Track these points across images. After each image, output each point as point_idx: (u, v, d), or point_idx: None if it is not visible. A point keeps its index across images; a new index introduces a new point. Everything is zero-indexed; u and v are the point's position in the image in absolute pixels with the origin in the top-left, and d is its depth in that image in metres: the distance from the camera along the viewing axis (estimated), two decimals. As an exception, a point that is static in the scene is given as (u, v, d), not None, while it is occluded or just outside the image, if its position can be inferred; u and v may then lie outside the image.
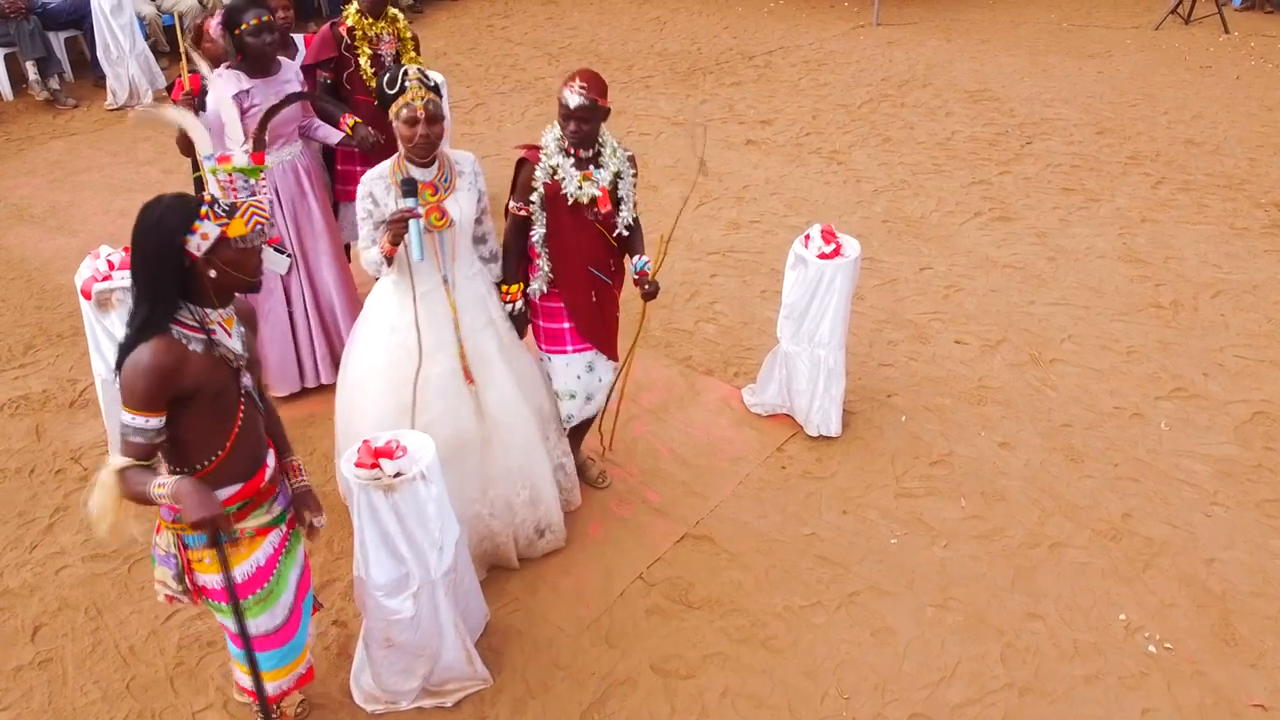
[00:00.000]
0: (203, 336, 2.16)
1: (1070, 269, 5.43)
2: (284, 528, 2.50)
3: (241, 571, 2.39)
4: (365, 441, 2.74)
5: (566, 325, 3.32)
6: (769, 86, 8.05)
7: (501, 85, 8.07)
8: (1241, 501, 3.78)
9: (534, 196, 3.14)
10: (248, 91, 3.64)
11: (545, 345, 3.36)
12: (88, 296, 3.34)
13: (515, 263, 3.27)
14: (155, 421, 2.13)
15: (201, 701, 3.00)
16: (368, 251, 2.97)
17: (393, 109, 2.84)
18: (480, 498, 3.22)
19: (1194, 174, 6.56)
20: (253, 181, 2.16)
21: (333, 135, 4.01)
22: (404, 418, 3.00)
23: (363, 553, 2.71)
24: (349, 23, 4.04)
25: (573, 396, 3.41)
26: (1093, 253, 5.60)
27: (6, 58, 7.52)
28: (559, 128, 3.11)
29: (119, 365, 2.15)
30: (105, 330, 3.41)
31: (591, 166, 3.14)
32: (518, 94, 7.87)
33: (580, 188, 3.11)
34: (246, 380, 2.32)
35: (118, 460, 2.19)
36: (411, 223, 2.83)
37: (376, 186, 2.94)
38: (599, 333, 3.37)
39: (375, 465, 2.67)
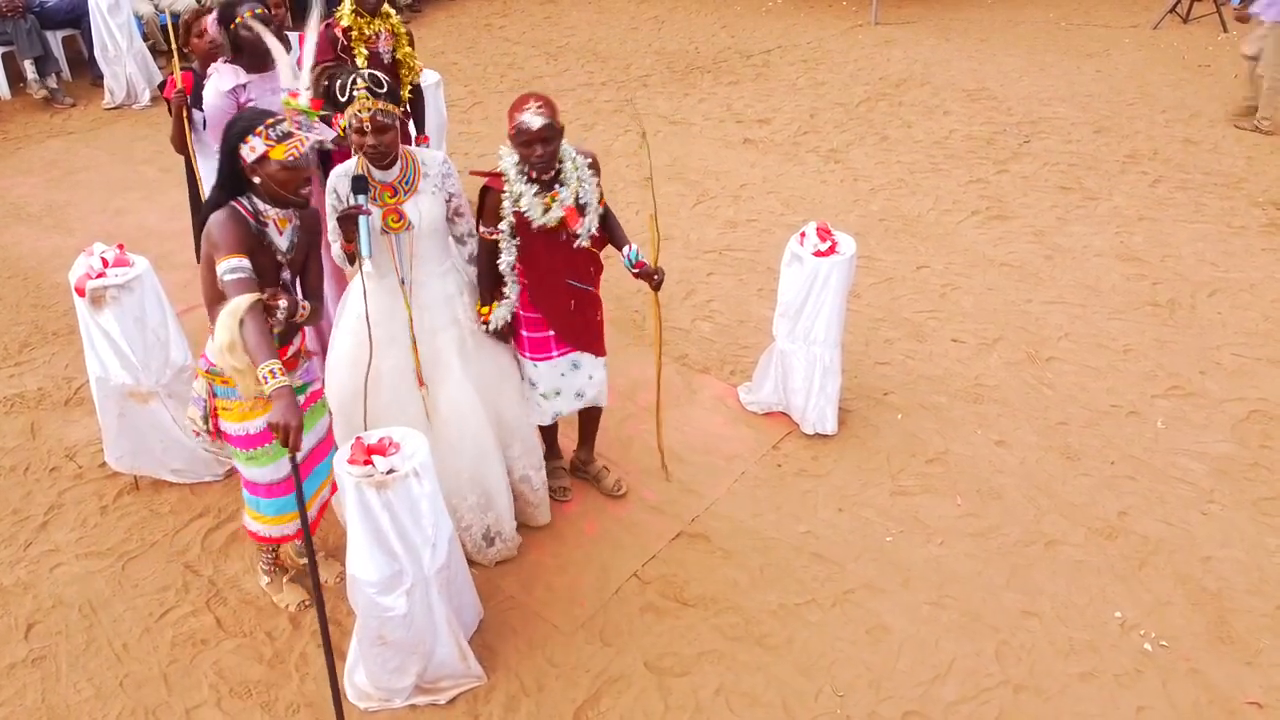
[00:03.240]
0: (254, 222, 2.61)
1: (1067, 267, 5.42)
2: (302, 398, 2.89)
3: (254, 425, 2.80)
4: (358, 439, 2.74)
5: (550, 333, 3.28)
6: (767, 85, 8.04)
7: (499, 84, 8.06)
8: (1238, 500, 3.78)
9: (503, 225, 3.08)
10: (244, 86, 3.64)
11: (530, 353, 3.32)
12: (81, 294, 3.34)
13: (487, 284, 3.22)
14: (243, 262, 2.52)
15: (195, 698, 2.99)
16: (335, 245, 3.04)
17: (343, 114, 2.85)
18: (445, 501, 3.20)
19: (1192, 173, 6.55)
20: (311, 120, 2.61)
21: (327, 133, 3.98)
22: (357, 404, 3.09)
23: (355, 550, 2.71)
24: (344, 23, 4.02)
25: (558, 394, 3.39)
26: (1090, 251, 5.60)
27: (4, 57, 7.51)
28: (515, 154, 3.01)
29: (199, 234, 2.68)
30: (99, 328, 3.41)
31: (556, 185, 3.05)
32: (515, 93, 7.82)
33: (546, 213, 3.03)
34: (286, 274, 2.75)
35: (244, 299, 2.47)
36: (361, 220, 2.85)
37: (340, 183, 2.97)
38: (583, 336, 3.34)
39: (368, 462, 2.67)
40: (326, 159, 4.31)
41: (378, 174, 2.96)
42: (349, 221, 2.88)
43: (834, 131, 7.17)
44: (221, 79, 3.63)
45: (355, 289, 3.12)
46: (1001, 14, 9.61)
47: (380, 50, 4.10)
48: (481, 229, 3.13)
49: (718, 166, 6.52)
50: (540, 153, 2.93)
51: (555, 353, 3.32)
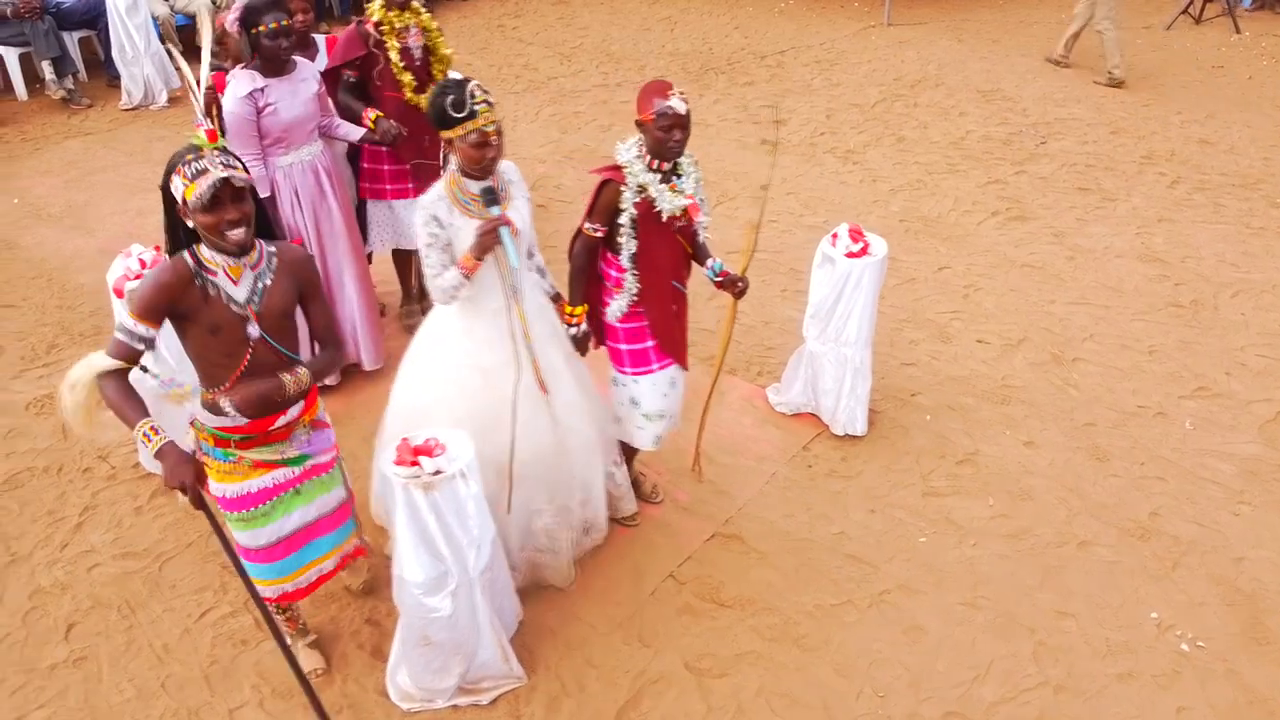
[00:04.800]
0: (200, 271, 2.34)
1: (1089, 268, 5.43)
2: (298, 469, 2.67)
3: (232, 490, 2.61)
4: (404, 439, 2.74)
5: (650, 344, 3.21)
6: (782, 86, 8.05)
7: (515, 85, 8.06)
8: (1268, 500, 3.79)
9: (624, 219, 3.01)
10: (263, 90, 3.64)
11: (631, 367, 3.24)
12: (120, 295, 3.34)
13: (584, 284, 3.16)
14: (144, 329, 2.34)
15: (237, 699, 3.00)
16: (440, 278, 2.83)
17: (457, 131, 2.71)
18: (547, 507, 3.17)
19: (1209, 174, 6.56)
20: (229, 157, 2.28)
21: (354, 132, 4.00)
22: (484, 442, 2.89)
23: (401, 551, 2.72)
24: (375, 18, 4.03)
25: (662, 416, 3.32)
26: (1110, 252, 5.61)
27: (21, 58, 7.52)
28: (640, 143, 2.96)
29: None
30: (136, 329, 3.41)
31: (674, 178, 3.03)
32: (531, 94, 7.87)
33: (672, 203, 3.00)
34: (253, 330, 2.42)
35: (100, 361, 2.36)
36: (502, 230, 2.75)
37: (439, 209, 2.82)
38: (679, 345, 3.29)
39: (415, 463, 2.68)
40: (358, 157, 4.30)
41: (477, 186, 2.83)
42: (490, 237, 2.76)
43: (851, 132, 7.18)
44: (239, 84, 3.63)
45: (439, 330, 3.02)
46: (1013, 15, 9.61)
47: (411, 45, 4.10)
48: (587, 225, 3.08)
49: (736, 167, 6.53)
50: (679, 138, 2.91)
51: (655, 365, 3.24)
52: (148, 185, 6.33)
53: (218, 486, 2.61)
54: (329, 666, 3.06)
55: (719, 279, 3.23)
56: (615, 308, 3.15)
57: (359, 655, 3.13)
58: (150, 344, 2.37)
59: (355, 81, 4.09)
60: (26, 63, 7.59)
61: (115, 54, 7.29)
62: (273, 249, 2.48)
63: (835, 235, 3.88)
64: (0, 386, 4.38)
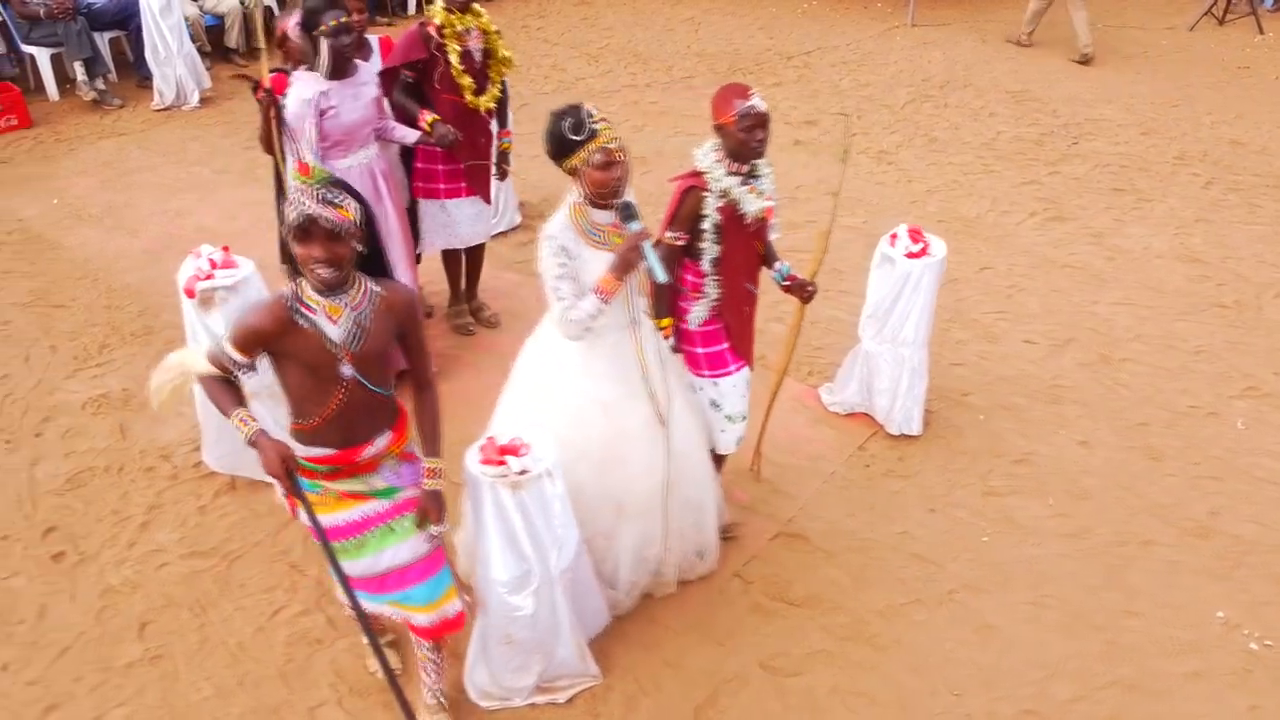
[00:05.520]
0: (298, 307, 2.28)
1: (1129, 269, 5.45)
2: (387, 503, 2.54)
3: (325, 520, 2.49)
4: (490, 438, 2.76)
5: (725, 345, 3.19)
6: (810, 87, 8.07)
7: (544, 86, 8.08)
8: (1327, 500, 3.81)
9: (706, 224, 2.96)
10: (325, 93, 3.65)
11: (709, 371, 3.21)
12: (191, 295, 3.36)
13: (668, 295, 3.09)
14: (238, 356, 2.31)
15: (316, 698, 3.01)
16: (574, 309, 2.72)
17: (579, 156, 2.62)
18: (663, 538, 3.14)
19: (1242, 174, 6.58)
20: (336, 194, 2.19)
21: (410, 135, 4.02)
22: (602, 478, 2.87)
23: (487, 550, 2.73)
24: (437, 20, 4.04)
25: (744, 418, 3.31)
26: (1150, 253, 5.62)
27: (52, 58, 7.53)
28: (716, 147, 2.95)
29: None
30: (206, 329, 3.43)
31: (752, 180, 3.02)
32: (561, 94, 7.88)
33: (755, 205, 2.99)
34: (346, 370, 2.33)
35: (197, 360, 2.36)
36: (645, 246, 2.67)
37: (565, 238, 2.73)
38: (749, 346, 3.29)
39: (501, 462, 2.69)
40: (410, 157, 4.30)
41: (600, 215, 2.75)
42: (634, 253, 2.68)
43: (882, 133, 7.19)
44: (303, 86, 3.63)
45: (547, 360, 2.94)
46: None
47: (472, 48, 4.11)
48: (668, 235, 3.02)
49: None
50: (761, 137, 2.89)
51: (732, 367, 3.23)
52: (185, 186, 6.35)
53: (304, 517, 2.50)
54: (404, 666, 3.07)
55: (787, 283, 3.23)
56: (697, 314, 3.12)
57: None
58: (245, 369, 2.34)
59: (412, 83, 4.10)
60: (57, 63, 7.61)
61: (148, 54, 7.30)
62: (378, 289, 2.36)
63: (894, 236, 3.90)
64: (55, 386, 4.40)
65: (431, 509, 2.56)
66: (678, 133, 7.09)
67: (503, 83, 4.34)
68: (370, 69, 3.85)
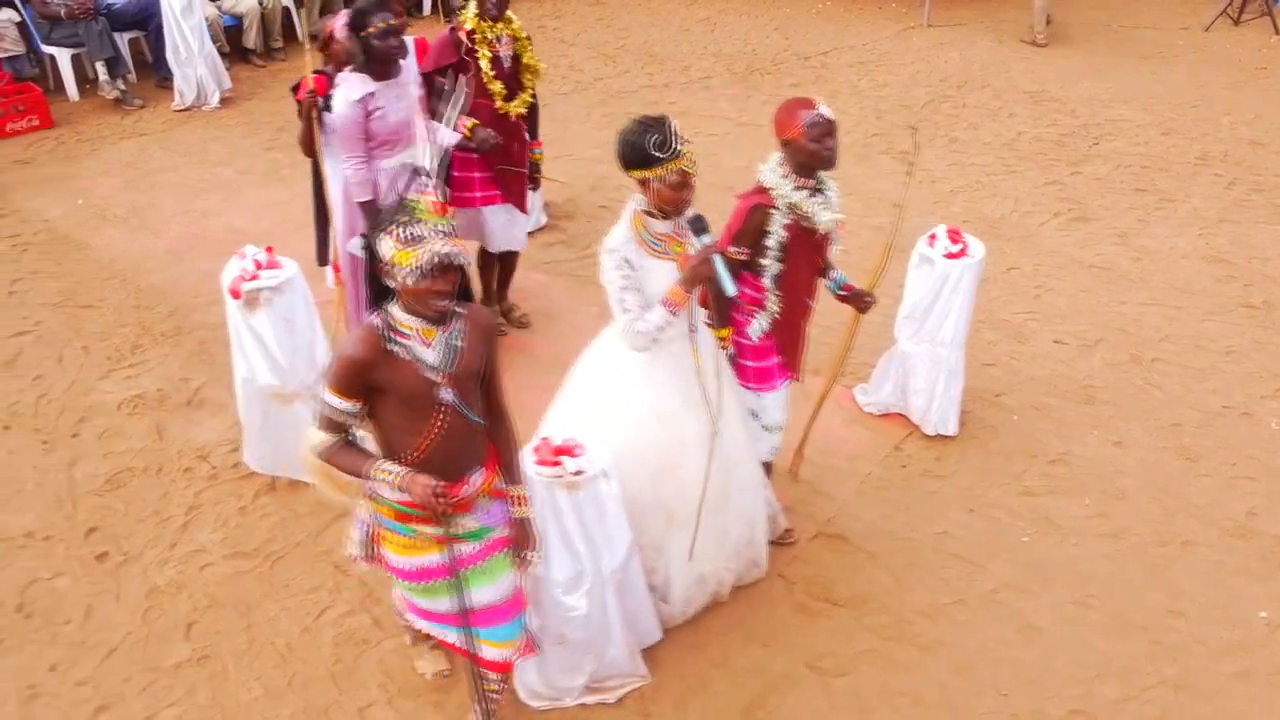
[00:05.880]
0: (392, 335, 2.20)
1: (1156, 269, 5.45)
2: (479, 544, 2.47)
3: (412, 563, 2.45)
4: (545, 439, 2.77)
5: (775, 360, 3.19)
6: (828, 87, 8.07)
7: (562, 86, 8.07)
8: (1365, 500, 3.81)
9: (771, 241, 2.95)
10: (373, 94, 3.65)
11: (755, 384, 3.21)
12: (236, 296, 3.36)
13: (726, 307, 3.06)
14: (347, 405, 2.23)
15: (365, 698, 3.02)
16: (641, 320, 2.71)
17: (656, 170, 2.60)
18: (718, 551, 3.13)
19: (1264, 175, 6.58)
20: (439, 226, 2.12)
21: (451, 138, 4.02)
22: (656, 487, 2.87)
23: (543, 550, 2.73)
24: (468, 26, 4.04)
25: (781, 428, 3.31)
26: (1175, 253, 5.63)
27: (72, 59, 7.53)
28: (780, 162, 2.95)
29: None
30: (250, 330, 3.43)
31: (817, 193, 3.00)
32: (579, 95, 7.88)
33: (827, 216, 2.99)
34: (445, 395, 2.26)
35: (315, 438, 2.30)
36: (716, 260, 2.67)
37: (627, 250, 2.71)
38: (799, 358, 3.29)
39: (556, 463, 2.70)
40: (447, 165, 4.29)
41: (660, 225, 2.75)
42: (706, 266, 2.67)
43: (902, 134, 7.19)
44: (350, 88, 3.64)
45: (619, 367, 2.90)
46: (1053, 16, 9.61)
47: (501, 54, 4.13)
48: (730, 249, 2.98)
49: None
50: (832, 145, 2.88)
51: (778, 381, 3.23)
52: (208, 187, 6.35)
53: (396, 559, 2.47)
54: (452, 668, 3.07)
55: (843, 292, 3.22)
56: (756, 328, 3.10)
57: (481, 654, 3.15)
58: (357, 416, 2.26)
59: (445, 89, 4.10)
60: (76, 63, 7.61)
61: (169, 55, 7.30)
62: (460, 310, 2.30)
63: (933, 236, 3.91)
64: (89, 387, 4.40)
65: (524, 537, 2.55)
66: (698, 134, 7.09)
67: (532, 91, 4.35)
68: (412, 69, 3.85)
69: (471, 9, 4.06)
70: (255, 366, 3.49)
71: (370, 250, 2.18)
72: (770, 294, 3.06)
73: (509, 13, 4.18)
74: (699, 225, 2.69)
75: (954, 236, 3.85)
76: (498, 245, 4.43)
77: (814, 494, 3.83)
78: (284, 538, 3.60)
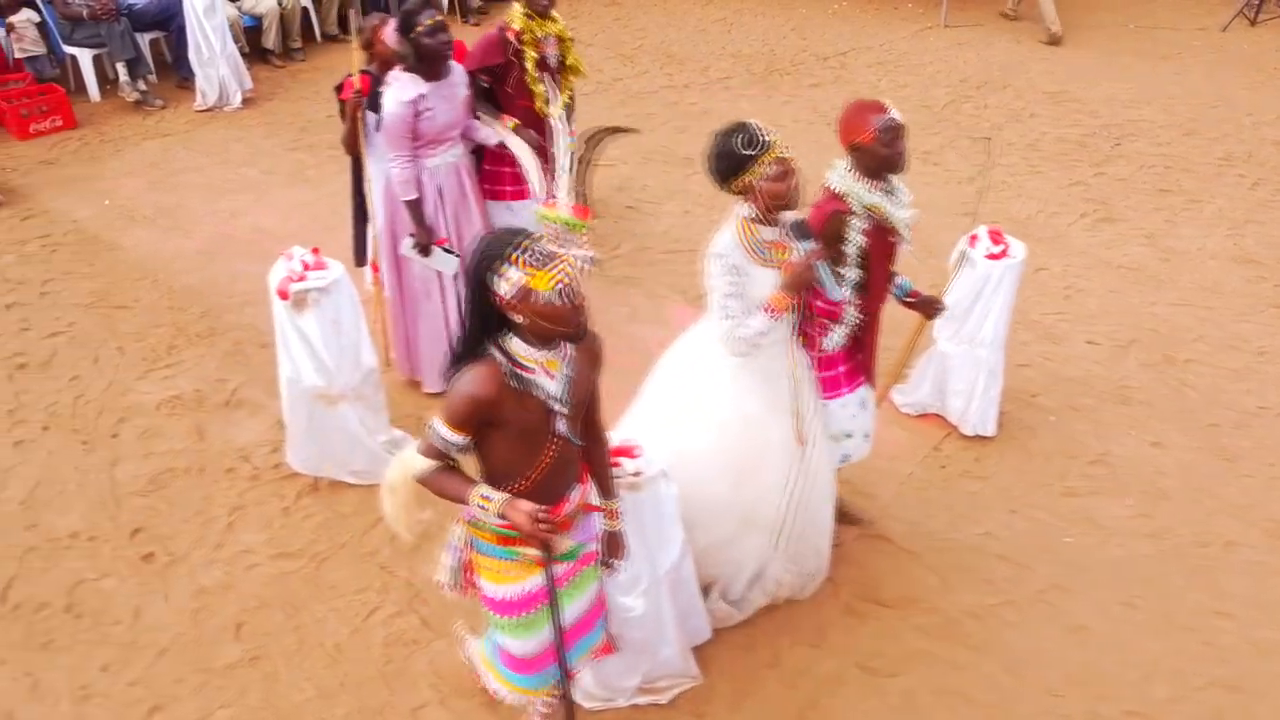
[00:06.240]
0: (514, 370, 2.09)
1: (1185, 270, 5.45)
2: (571, 563, 2.43)
3: (512, 591, 2.37)
4: (602, 441, 2.76)
5: (842, 368, 3.15)
6: (848, 88, 8.06)
7: (582, 87, 7.97)
8: (1407, 501, 3.81)
9: (850, 248, 2.90)
10: (424, 95, 3.66)
11: (825, 393, 3.16)
12: (284, 297, 3.36)
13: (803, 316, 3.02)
14: (460, 438, 2.14)
15: (417, 698, 3.02)
16: (742, 326, 2.70)
17: (753, 171, 2.59)
18: (788, 562, 3.12)
19: (1288, 175, 6.58)
20: (576, 234, 2.03)
21: (492, 137, 4.02)
22: (736, 491, 2.86)
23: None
24: (516, 26, 4.05)
25: (849, 436, 3.27)
26: (1204, 253, 5.63)
27: (93, 59, 7.54)
28: (848, 167, 2.92)
29: (448, 376, 2.14)
30: (296, 330, 3.44)
31: (888, 194, 2.96)
32: (600, 95, 7.88)
33: (906, 213, 2.95)
34: (561, 426, 2.18)
35: (416, 462, 2.21)
36: (820, 264, 2.68)
37: (735, 256, 2.70)
38: (872, 364, 3.25)
39: (616, 464, 2.70)
40: (479, 158, 4.28)
41: (768, 232, 2.72)
42: (809, 271, 2.68)
43: (925, 134, 7.18)
44: (401, 89, 3.64)
45: (708, 368, 2.88)
46: (1068, 17, 9.61)
47: (548, 54, 4.13)
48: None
49: (821, 170, 6.53)
50: (902, 149, 2.85)
51: (845, 389, 3.20)
52: (234, 187, 6.35)
53: (495, 589, 2.38)
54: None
55: (910, 298, 3.20)
56: (834, 340, 3.05)
57: (532, 654, 3.15)
58: (465, 450, 2.19)
59: (487, 87, 4.11)
60: (97, 64, 7.61)
61: (191, 55, 7.30)
62: None
63: (974, 237, 3.91)
64: (127, 387, 4.41)
65: (616, 548, 2.54)
66: (721, 134, 7.10)
67: (571, 92, 4.35)
68: (461, 70, 3.85)
69: (518, 8, 4.06)
70: (300, 367, 3.49)
71: (479, 288, 2.04)
72: (849, 304, 3.00)
73: (554, 12, 4.18)
74: (802, 231, 2.69)
75: (995, 237, 3.85)
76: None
77: (855, 494, 3.82)
78: (329, 539, 3.60)
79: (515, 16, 4.06)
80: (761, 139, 2.58)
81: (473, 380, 2.08)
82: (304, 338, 3.43)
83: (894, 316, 3.34)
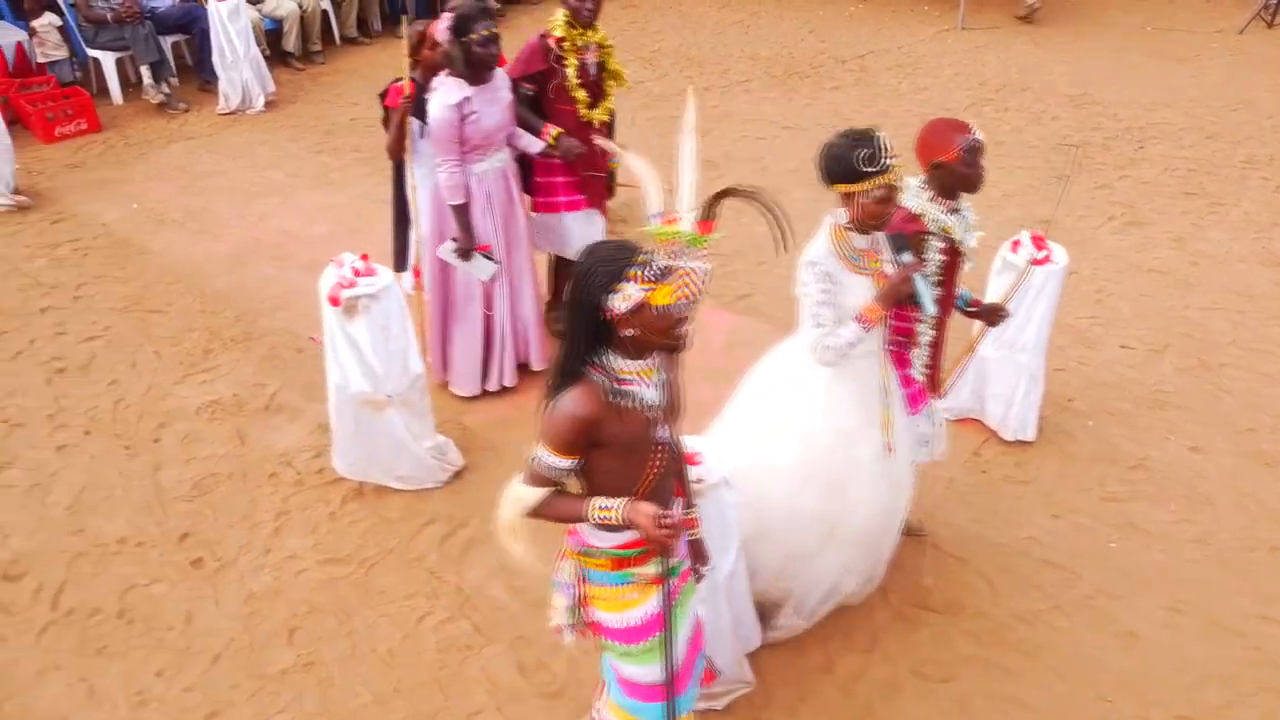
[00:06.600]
0: (615, 386, 2.07)
1: (1214, 273, 5.46)
2: (676, 580, 2.36)
3: (634, 616, 2.28)
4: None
5: (916, 388, 3.14)
6: (869, 91, 8.08)
7: (603, 89, 8.08)
8: None
9: (930, 267, 2.87)
10: (469, 99, 3.67)
11: (911, 408, 3.14)
12: (335, 304, 3.37)
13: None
14: (568, 462, 2.10)
15: (472, 704, 3.03)
16: (833, 336, 2.70)
17: (863, 185, 2.57)
18: (861, 572, 3.12)
19: (1312, 178, 6.59)
20: (698, 248, 1.97)
21: (535, 144, 4.03)
22: (825, 503, 2.86)
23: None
24: (558, 33, 4.06)
25: (925, 444, 3.28)
26: (1232, 257, 5.64)
27: (115, 62, 7.55)
28: (923, 186, 2.92)
29: (547, 399, 2.10)
30: (346, 337, 3.44)
31: (954, 213, 2.96)
32: (621, 98, 7.79)
33: (974, 237, 2.96)
34: (664, 432, 2.17)
35: (527, 494, 2.14)
36: (918, 278, 2.68)
37: (829, 264, 2.69)
38: (940, 376, 3.26)
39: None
40: (529, 169, 4.28)
41: (860, 241, 2.73)
42: (907, 284, 2.68)
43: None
44: (447, 92, 3.65)
45: (802, 380, 2.85)
46: (1085, 19, 9.65)
47: (588, 62, 4.14)
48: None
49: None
50: (983, 167, 2.86)
51: (923, 403, 3.20)
52: (261, 190, 6.37)
53: (616, 617, 2.29)
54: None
55: (971, 308, 3.20)
56: (917, 356, 3.05)
57: (583, 660, 3.15)
58: (574, 473, 2.15)
59: (531, 95, 4.12)
60: (119, 67, 7.63)
61: (215, 58, 7.32)
62: None
63: (1016, 242, 3.92)
64: (166, 391, 4.42)
65: (700, 556, 2.52)
66: (744, 136, 7.11)
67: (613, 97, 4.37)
68: (503, 74, 3.87)
69: (560, 16, 4.07)
70: (349, 373, 3.50)
71: (587, 307, 2.00)
72: (923, 321, 3.00)
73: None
74: (899, 243, 2.70)
75: (1038, 243, 3.86)
76: (576, 249, 4.42)
77: (898, 499, 3.84)
78: (376, 544, 3.61)
79: (557, 24, 4.07)
80: (883, 160, 2.54)
81: (573, 401, 2.06)
82: (353, 344, 3.44)
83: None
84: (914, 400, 3.15)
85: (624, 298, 1.95)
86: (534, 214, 4.32)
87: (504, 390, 4.35)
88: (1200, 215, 6.10)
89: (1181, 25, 9.75)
